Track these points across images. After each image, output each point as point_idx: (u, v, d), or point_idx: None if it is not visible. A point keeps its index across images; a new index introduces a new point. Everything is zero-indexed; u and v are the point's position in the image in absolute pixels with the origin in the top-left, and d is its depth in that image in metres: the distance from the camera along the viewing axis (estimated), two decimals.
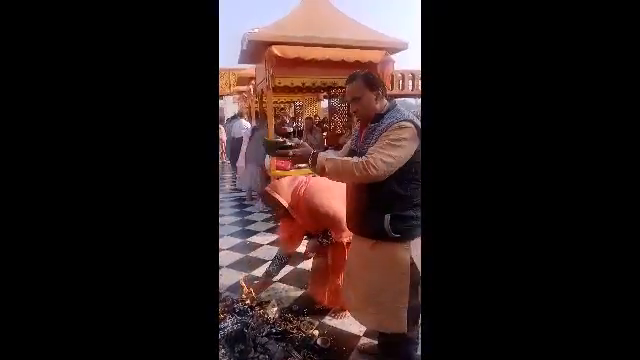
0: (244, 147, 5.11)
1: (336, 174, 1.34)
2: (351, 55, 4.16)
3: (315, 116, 7.83)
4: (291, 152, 1.39)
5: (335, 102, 6.08)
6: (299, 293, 2.43)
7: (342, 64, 4.08)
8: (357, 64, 4.08)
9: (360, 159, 1.29)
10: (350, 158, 1.34)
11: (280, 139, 1.60)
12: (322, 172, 1.35)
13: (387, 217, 1.35)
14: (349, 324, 2.02)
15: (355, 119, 1.60)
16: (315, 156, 1.36)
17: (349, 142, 1.62)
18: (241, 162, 5.06)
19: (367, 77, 1.44)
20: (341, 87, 4.82)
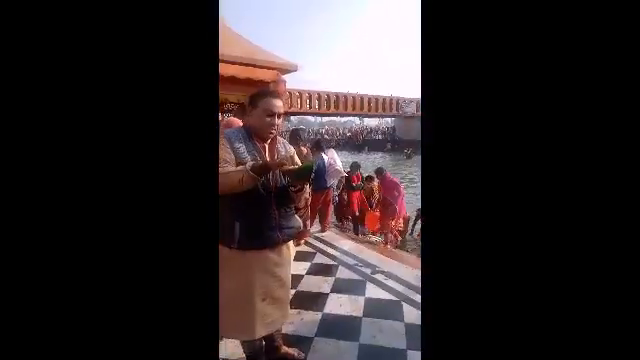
0: None
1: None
2: (242, 72, 4.26)
3: None
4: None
5: (228, 117, 6.02)
6: None
7: (232, 80, 4.08)
8: (248, 81, 4.24)
9: None
10: None
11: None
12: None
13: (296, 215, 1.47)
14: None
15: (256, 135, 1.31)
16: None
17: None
18: None
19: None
20: (232, 103, 4.81)
